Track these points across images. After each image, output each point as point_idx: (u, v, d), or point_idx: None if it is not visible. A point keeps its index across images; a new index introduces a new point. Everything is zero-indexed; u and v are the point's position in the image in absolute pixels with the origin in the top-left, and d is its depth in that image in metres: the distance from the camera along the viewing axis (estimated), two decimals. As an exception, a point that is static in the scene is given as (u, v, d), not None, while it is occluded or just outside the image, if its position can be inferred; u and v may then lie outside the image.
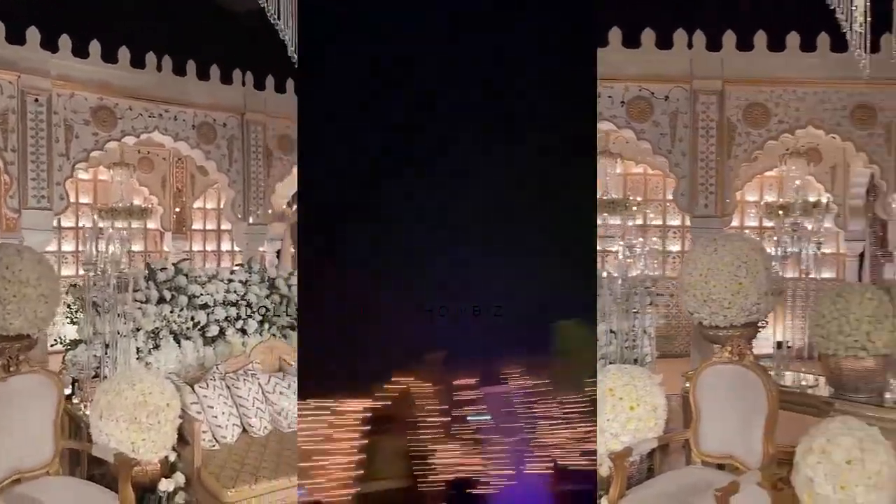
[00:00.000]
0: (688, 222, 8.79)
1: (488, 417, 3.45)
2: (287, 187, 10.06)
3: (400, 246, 3.38)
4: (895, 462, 2.79)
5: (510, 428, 3.43)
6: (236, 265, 6.32)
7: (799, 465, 2.89)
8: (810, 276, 4.81)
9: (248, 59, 9.45)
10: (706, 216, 7.57)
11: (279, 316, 5.33)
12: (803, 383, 4.49)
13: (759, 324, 4.35)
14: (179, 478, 3.73)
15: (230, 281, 5.19)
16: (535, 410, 3.46)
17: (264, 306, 5.23)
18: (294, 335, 5.17)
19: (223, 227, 12.10)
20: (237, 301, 5.11)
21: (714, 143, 7.54)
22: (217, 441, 4.15)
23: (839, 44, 6.62)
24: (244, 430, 4.32)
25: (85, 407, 4.18)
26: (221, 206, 11.16)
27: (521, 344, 3.44)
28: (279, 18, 4.83)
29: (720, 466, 3.70)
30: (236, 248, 10.75)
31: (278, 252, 11.26)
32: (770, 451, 3.33)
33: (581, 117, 3.52)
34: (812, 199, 7.60)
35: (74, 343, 4.63)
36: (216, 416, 4.15)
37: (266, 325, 5.20)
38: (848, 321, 3.80)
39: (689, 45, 7.62)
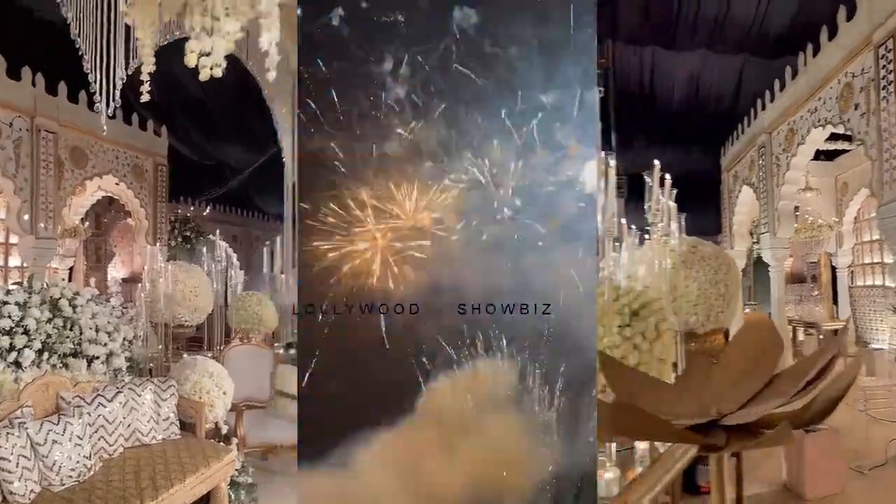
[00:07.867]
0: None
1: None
2: (80, 202, 9.24)
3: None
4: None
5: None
6: (13, 284, 5.32)
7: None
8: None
9: (40, 59, 8.61)
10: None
11: (62, 342, 4.68)
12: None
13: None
14: None
15: (4, 303, 4.46)
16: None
17: (45, 332, 4.57)
18: (76, 363, 4.71)
19: (11, 240, 10.66)
20: (12, 328, 4.39)
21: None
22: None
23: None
24: (3, 498, 3.26)
25: None
26: (4, 216, 9.95)
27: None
28: (80, 35, 4.35)
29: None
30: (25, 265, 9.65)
31: (70, 270, 10.35)
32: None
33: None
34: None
35: None
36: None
37: (45, 355, 4.53)
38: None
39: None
